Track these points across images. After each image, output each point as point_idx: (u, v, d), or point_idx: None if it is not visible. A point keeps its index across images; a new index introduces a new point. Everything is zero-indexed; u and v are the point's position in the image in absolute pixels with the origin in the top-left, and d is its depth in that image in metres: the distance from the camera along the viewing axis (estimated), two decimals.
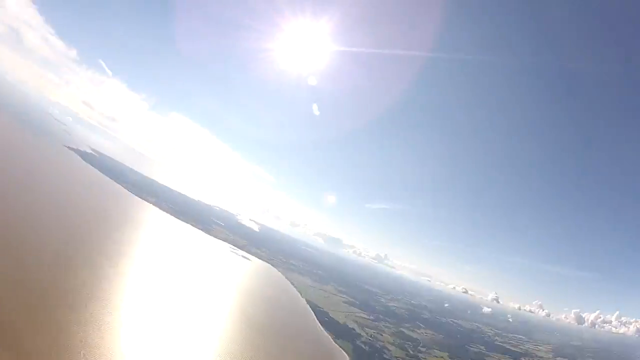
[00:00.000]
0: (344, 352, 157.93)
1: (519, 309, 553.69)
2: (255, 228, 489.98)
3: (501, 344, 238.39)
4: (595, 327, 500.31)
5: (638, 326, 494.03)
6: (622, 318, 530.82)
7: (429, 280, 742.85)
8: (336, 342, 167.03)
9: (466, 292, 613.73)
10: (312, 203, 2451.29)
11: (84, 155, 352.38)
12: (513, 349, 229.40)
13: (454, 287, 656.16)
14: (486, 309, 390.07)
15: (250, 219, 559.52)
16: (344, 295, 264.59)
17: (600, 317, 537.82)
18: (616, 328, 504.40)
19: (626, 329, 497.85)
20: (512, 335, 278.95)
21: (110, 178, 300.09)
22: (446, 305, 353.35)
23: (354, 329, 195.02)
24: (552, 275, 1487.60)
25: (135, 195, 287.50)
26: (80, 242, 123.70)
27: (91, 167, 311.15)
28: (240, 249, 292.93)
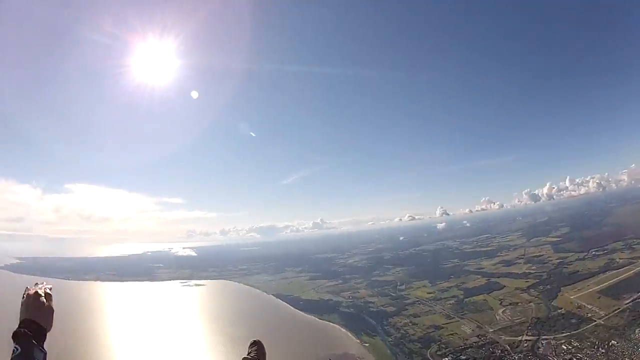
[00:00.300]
0: (335, 325, 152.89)
1: (470, 212, 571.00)
2: (193, 254, 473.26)
3: (472, 249, 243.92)
4: (553, 198, 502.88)
5: (596, 181, 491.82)
6: (576, 180, 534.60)
7: (373, 224, 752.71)
8: (322, 319, 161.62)
9: (413, 218, 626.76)
10: (227, 206, 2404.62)
11: (13, 268, 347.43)
12: (485, 249, 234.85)
13: (400, 219, 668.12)
14: (440, 225, 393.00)
15: (183, 248, 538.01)
16: (304, 274, 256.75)
17: (553, 187, 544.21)
18: (575, 191, 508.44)
19: (586, 188, 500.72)
20: (477, 237, 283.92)
21: (46, 277, 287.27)
22: (401, 238, 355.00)
23: (330, 300, 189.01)
24: (484, 170, 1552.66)
25: (75, 280, 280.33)
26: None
27: (25, 275, 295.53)
28: (190, 279, 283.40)
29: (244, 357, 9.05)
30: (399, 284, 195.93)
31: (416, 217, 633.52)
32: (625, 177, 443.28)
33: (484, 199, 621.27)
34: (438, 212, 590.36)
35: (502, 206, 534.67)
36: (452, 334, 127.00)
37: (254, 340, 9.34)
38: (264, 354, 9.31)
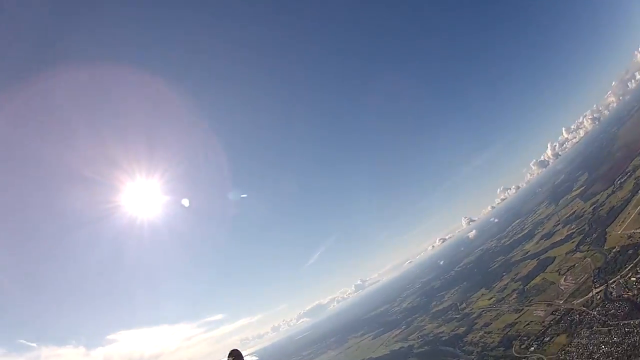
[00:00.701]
0: None
1: (492, 208, 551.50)
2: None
3: (510, 241, 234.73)
4: (559, 155, 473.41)
5: (589, 117, 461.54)
6: (571, 127, 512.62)
7: (411, 261, 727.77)
8: None
9: (445, 240, 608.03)
10: (268, 304, 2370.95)
11: None
12: (522, 233, 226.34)
13: (433, 246, 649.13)
14: (471, 234, 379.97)
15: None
16: (367, 335, 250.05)
17: (554, 145, 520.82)
18: (575, 137, 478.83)
19: (583, 129, 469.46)
20: (509, 227, 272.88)
21: None
22: (441, 262, 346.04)
23: (402, 347, 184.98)
24: (486, 164, 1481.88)
25: None
26: None
27: None
28: None
29: None
30: (458, 304, 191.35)
31: (447, 237, 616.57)
32: (612, 99, 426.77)
33: (499, 190, 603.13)
34: (464, 223, 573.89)
35: (519, 187, 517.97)
36: (528, 324, 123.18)
37: (232, 350, 8.92)
38: None
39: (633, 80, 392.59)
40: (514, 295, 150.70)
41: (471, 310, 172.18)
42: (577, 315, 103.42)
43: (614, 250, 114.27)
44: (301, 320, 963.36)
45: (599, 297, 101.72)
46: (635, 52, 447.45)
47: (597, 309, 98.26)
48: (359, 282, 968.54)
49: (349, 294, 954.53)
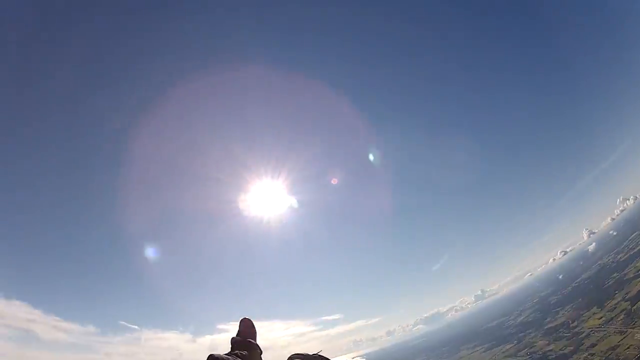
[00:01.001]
0: None
1: (612, 219, 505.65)
2: None
3: (626, 256, 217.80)
4: None
5: None
6: None
7: (532, 274, 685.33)
8: None
9: (566, 252, 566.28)
10: (387, 308, 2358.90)
11: None
12: (638, 248, 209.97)
13: (554, 259, 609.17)
14: (591, 247, 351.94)
15: (353, 358, 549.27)
16: (479, 347, 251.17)
17: None
18: None
19: None
20: (627, 241, 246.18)
21: None
22: (560, 277, 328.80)
23: None
24: (605, 174, 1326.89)
25: None
26: None
27: None
28: None
29: (233, 337, 8.57)
30: (570, 322, 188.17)
31: (568, 249, 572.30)
32: None
33: (618, 200, 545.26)
34: (585, 235, 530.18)
35: (637, 198, 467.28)
36: (628, 348, 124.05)
37: (243, 319, 8.51)
38: (253, 331, 8.43)
39: None
40: (622, 316, 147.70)
41: (581, 329, 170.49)
42: None
43: None
44: (417, 327, 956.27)
45: None
46: None
47: None
48: (479, 292, 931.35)
49: (468, 303, 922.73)
